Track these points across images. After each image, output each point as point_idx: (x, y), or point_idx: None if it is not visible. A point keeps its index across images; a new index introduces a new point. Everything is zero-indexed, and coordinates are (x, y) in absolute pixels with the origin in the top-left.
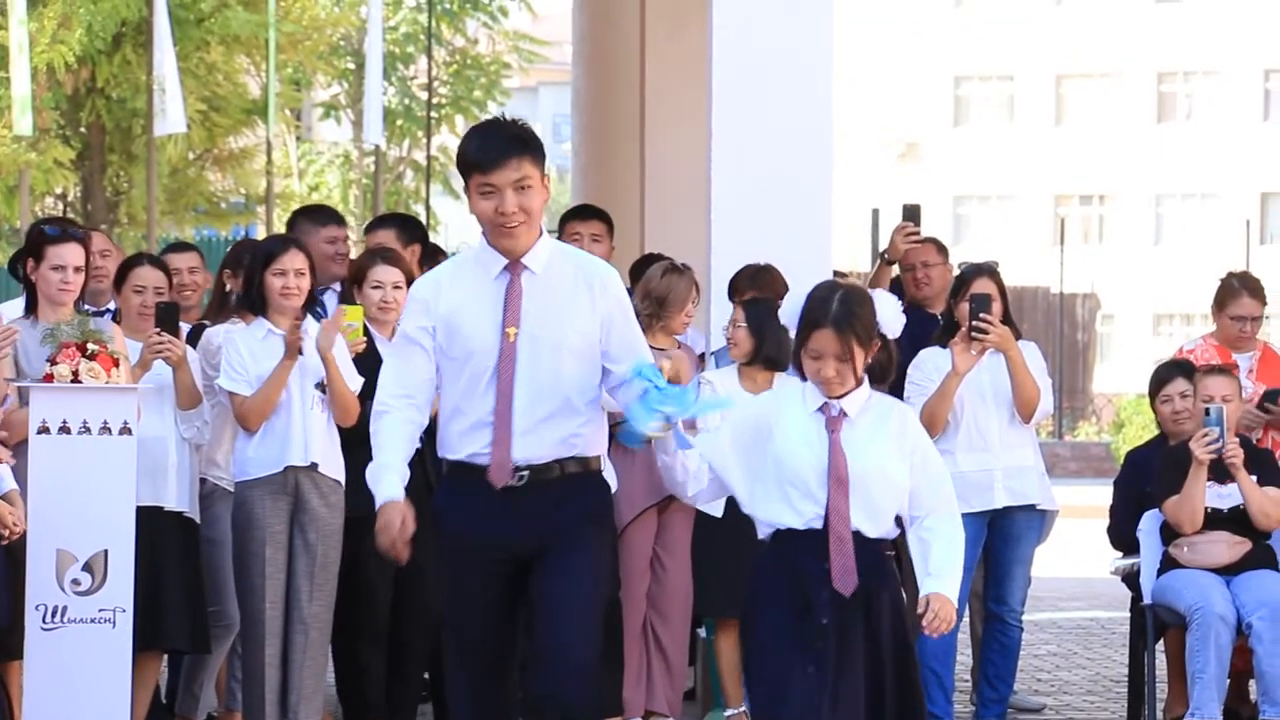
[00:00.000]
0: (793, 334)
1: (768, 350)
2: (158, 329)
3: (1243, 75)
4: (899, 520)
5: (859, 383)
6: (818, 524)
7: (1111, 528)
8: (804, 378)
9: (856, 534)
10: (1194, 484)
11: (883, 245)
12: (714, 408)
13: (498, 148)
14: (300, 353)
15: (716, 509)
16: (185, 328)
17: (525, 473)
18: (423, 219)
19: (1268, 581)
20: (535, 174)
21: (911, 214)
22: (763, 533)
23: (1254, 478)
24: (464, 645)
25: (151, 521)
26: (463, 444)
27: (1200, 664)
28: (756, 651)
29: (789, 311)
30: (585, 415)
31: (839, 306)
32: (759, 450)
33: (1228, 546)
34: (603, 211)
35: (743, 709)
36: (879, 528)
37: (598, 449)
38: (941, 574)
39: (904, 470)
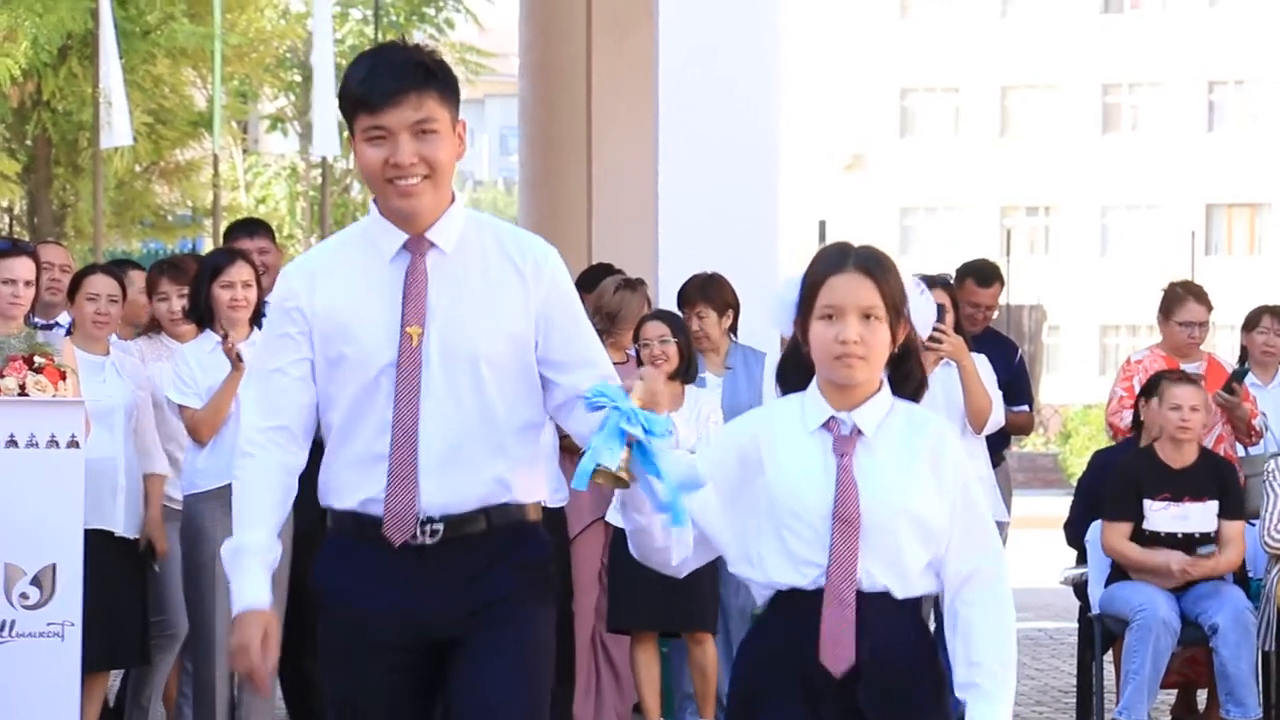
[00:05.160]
0: (785, 332)
1: (694, 366)
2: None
3: (1187, 86)
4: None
5: (881, 381)
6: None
7: (1069, 525)
8: (798, 387)
9: (883, 595)
10: (1149, 560)
11: None
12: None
13: (390, 78)
14: (240, 359)
15: None
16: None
17: (439, 526)
18: None
19: (1226, 589)
20: (443, 116)
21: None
22: (760, 597)
23: (1216, 504)
24: None
25: (99, 546)
26: (350, 488)
27: (1136, 664)
28: None
29: (783, 303)
30: (520, 446)
31: (861, 251)
32: (749, 488)
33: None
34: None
35: None
36: (909, 584)
37: (537, 492)
38: (990, 680)
39: (942, 506)
